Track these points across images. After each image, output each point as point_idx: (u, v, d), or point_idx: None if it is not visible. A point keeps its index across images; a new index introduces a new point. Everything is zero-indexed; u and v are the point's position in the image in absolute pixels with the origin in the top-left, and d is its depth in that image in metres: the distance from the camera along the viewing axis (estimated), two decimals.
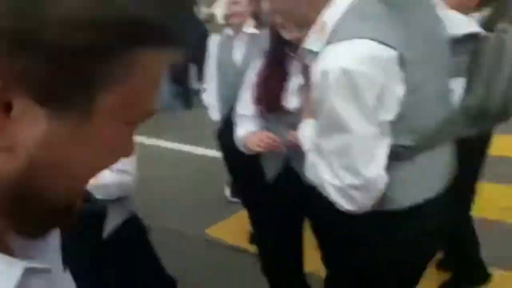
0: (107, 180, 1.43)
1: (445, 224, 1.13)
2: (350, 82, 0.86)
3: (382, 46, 0.88)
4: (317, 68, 0.92)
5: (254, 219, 1.96)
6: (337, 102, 0.89)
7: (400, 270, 1.10)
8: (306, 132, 1.12)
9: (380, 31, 0.90)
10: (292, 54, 1.55)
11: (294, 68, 1.57)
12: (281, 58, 1.57)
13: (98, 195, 1.47)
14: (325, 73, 0.89)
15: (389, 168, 0.94)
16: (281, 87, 1.55)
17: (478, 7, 1.74)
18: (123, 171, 1.47)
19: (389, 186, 0.95)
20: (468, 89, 1.06)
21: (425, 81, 0.95)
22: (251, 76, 1.66)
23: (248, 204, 2.07)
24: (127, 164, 1.44)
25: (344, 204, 0.94)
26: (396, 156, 0.94)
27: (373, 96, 0.88)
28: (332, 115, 0.91)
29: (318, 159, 0.99)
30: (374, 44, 0.88)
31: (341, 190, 0.92)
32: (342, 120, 0.89)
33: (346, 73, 0.86)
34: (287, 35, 1.46)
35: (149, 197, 3.04)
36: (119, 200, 1.57)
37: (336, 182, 0.93)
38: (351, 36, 0.89)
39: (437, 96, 1.01)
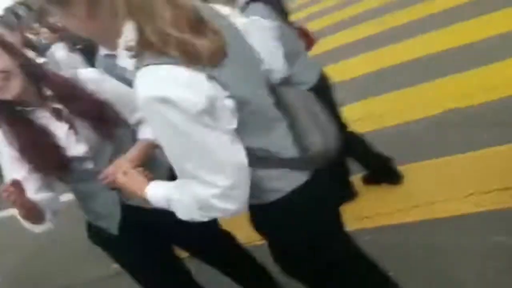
0: None
1: (332, 193, 1.26)
2: (174, 108, 0.85)
3: (190, 70, 0.87)
4: (137, 96, 0.89)
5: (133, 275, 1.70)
6: (167, 131, 0.89)
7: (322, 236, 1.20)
8: (155, 193, 1.11)
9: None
10: (26, 109, 1.37)
11: (44, 118, 1.38)
12: (20, 118, 1.36)
13: None
14: (146, 104, 0.87)
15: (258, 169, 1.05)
16: (50, 147, 1.36)
17: None
18: None
19: (265, 181, 1.07)
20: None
21: (249, 96, 1.00)
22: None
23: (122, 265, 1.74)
24: None
25: (229, 206, 0.97)
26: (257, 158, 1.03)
27: (204, 112, 0.88)
28: (181, 140, 0.90)
29: (183, 189, 1.00)
30: (180, 69, 0.87)
31: (220, 195, 0.94)
32: (192, 140, 0.90)
33: (167, 102, 0.85)
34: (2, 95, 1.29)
35: None
36: None
37: (213, 191, 0.94)
38: (159, 61, 0.87)
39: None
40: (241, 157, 0.96)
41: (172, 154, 0.95)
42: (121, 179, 1.21)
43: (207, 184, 0.94)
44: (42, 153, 1.34)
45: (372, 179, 2.53)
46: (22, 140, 1.34)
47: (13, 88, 1.29)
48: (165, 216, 1.42)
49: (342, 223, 1.30)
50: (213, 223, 1.74)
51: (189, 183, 0.96)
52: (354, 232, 2.22)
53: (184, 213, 1.03)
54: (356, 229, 2.19)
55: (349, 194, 2.47)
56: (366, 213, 2.34)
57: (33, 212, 1.30)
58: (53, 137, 1.36)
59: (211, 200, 0.95)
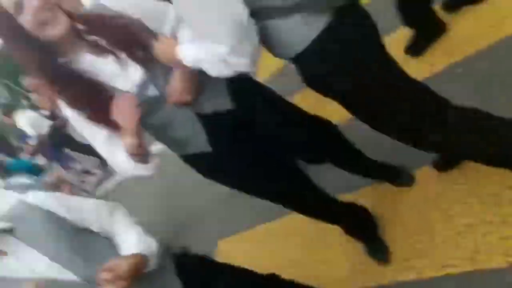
0: None
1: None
2: None
3: None
4: None
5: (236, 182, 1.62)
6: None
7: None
8: (187, 54, 1.17)
9: None
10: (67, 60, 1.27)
11: (87, 63, 1.27)
12: (69, 75, 1.26)
13: None
14: None
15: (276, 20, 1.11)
16: (92, 88, 1.26)
17: None
18: None
19: (287, 33, 1.13)
20: None
21: None
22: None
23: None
24: None
25: (242, 60, 1.08)
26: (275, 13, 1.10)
27: None
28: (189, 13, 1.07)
29: (206, 48, 1.10)
30: None
31: (231, 52, 1.05)
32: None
33: None
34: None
35: None
36: None
37: (225, 49, 1.05)
38: None
39: None
40: (243, 15, 1.04)
41: (187, 16, 1.08)
42: (155, 46, 1.23)
43: (218, 43, 1.06)
44: (107, 108, 1.22)
45: (456, 4, 2.26)
46: (85, 104, 1.26)
47: (63, 22, 1.16)
48: (249, 115, 1.42)
49: (386, 54, 1.25)
50: (306, 118, 1.67)
51: (207, 43, 1.08)
52: (443, 71, 2.05)
53: (213, 70, 1.14)
54: (447, 65, 2.05)
55: (436, 30, 2.25)
56: (456, 42, 2.17)
57: (143, 146, 1.24)
58: (89, 79, 1.26)
59: (225, 56, 1.07)
